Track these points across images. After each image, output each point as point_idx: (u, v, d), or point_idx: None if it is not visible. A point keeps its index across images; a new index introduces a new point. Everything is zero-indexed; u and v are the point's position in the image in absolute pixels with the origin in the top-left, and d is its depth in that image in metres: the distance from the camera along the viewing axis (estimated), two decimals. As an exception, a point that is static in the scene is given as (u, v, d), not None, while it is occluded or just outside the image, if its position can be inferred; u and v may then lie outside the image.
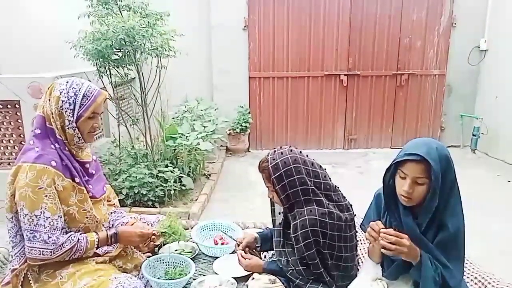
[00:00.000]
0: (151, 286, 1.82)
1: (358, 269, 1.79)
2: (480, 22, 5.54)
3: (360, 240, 2.00)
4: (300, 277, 1.69)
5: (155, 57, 3.66)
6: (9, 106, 3.48)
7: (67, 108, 1.63)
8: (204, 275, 1.95)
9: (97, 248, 1.71)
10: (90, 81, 1.79)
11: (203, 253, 2.17)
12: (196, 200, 3.89)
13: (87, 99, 1.66)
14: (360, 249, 2.01)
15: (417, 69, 5.75)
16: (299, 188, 1.66)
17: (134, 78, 3.99)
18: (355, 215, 1.77)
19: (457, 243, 1.50)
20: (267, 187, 1.79)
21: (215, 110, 5.22)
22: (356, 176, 4.84)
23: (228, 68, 5.62)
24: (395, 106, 5.87)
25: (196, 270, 1.93)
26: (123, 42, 3.32)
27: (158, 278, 1.85)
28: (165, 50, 3.59)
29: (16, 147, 3.57)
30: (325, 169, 1.79)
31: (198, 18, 5.59)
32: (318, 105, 5.81)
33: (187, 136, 4.14)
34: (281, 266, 1.77)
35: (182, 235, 1.98)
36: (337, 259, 1.68)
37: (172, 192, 3.71)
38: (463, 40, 5.61)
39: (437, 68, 5.76)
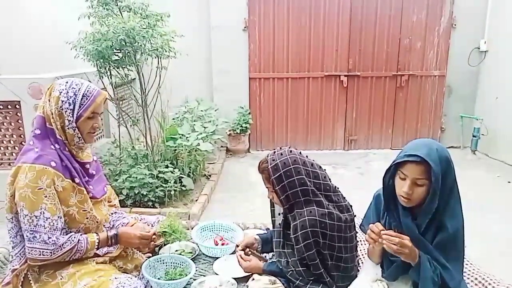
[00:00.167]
0: (151, 287, 1.82)
1: (358, 270, 1.79)
2: (480, 23, 5.55)
3: (360, 240, 2.00)
4: (300, 278, 1.69)
5: (155, 57, 3.66)
6: (9, 107, 3.48)
7: (67, 108, 1.63)
8: (204, 276, 1.95)
9: (97, 249, 1.72)
10: (90, 81, 1.79)
11: (203, 254, 2.17)
12: (196, 200, 3.89)
13: (86, 99, 1.66)
14: (360, 250, 2.01)
15: (417, 70, 5.75)
16: (299, 188, 1.66)
17: (135, 78, 3.99)
18: (355, 215, 1.77)
19: (456, 244, 1.50)
20: (267, 188, 1.79)
21: (215, 110, 5.22)
22: (356, 177, 4.85)
23: (228, 69, 5.62)
24: (395, 107, 5.87)
25: (196, 270, 1.93)
26: (124, 43, 3.33)
27: (159, 279, 1.85)
28: (165, 51, 3.60)
29: (16, 147, 3.57)
30: (325, 169, 1.78)
31: (198, 19, 5.59)
32: (318, 105, 5.81)
33: (187, 137, 4.15)
34: (281, 267, 1.77)
35: (183, 234, 1.97)
36: (337, 259, 1.68)
37: (172, 192, 3.71)
38: (463, 41, 5.61)
39: (437, 69, 5.76)
